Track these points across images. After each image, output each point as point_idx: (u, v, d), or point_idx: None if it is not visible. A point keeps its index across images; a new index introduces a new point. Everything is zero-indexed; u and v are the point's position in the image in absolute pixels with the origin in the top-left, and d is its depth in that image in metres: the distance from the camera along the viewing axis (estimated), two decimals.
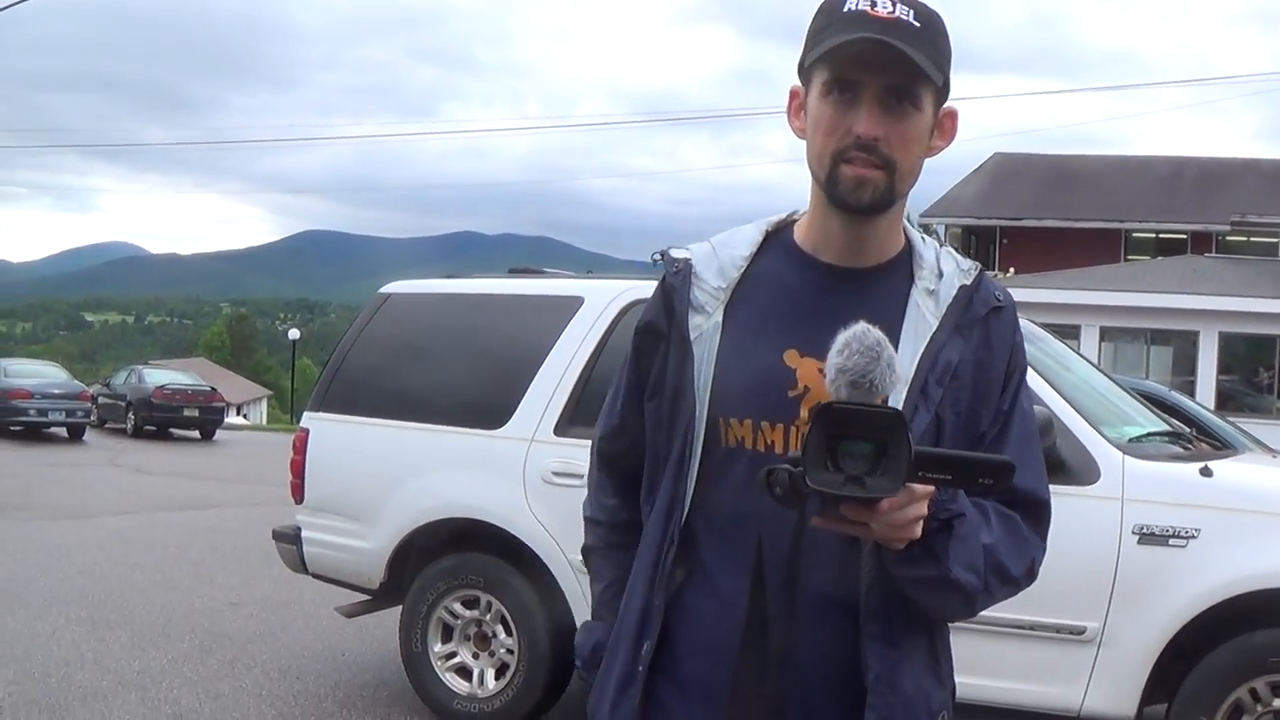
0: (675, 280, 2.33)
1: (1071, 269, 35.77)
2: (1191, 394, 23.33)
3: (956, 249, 2.36)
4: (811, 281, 2.25)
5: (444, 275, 8.38)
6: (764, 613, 2.13)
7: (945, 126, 2.24)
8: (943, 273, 2.24)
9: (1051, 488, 2.37)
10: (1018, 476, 2.03)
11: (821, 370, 2.03)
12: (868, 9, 2.10)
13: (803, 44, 2.21)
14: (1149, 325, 31.66)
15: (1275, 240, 43.43)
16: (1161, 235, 45.21)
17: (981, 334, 2.22)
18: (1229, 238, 43.62)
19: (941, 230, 48.37)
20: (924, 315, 2.19)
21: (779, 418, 2.18)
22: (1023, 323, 7.01)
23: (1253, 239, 43.80)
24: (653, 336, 2.37)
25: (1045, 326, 7.66)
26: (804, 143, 2.24)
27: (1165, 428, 7.04)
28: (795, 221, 2.35)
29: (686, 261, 2.34)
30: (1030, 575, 2.23)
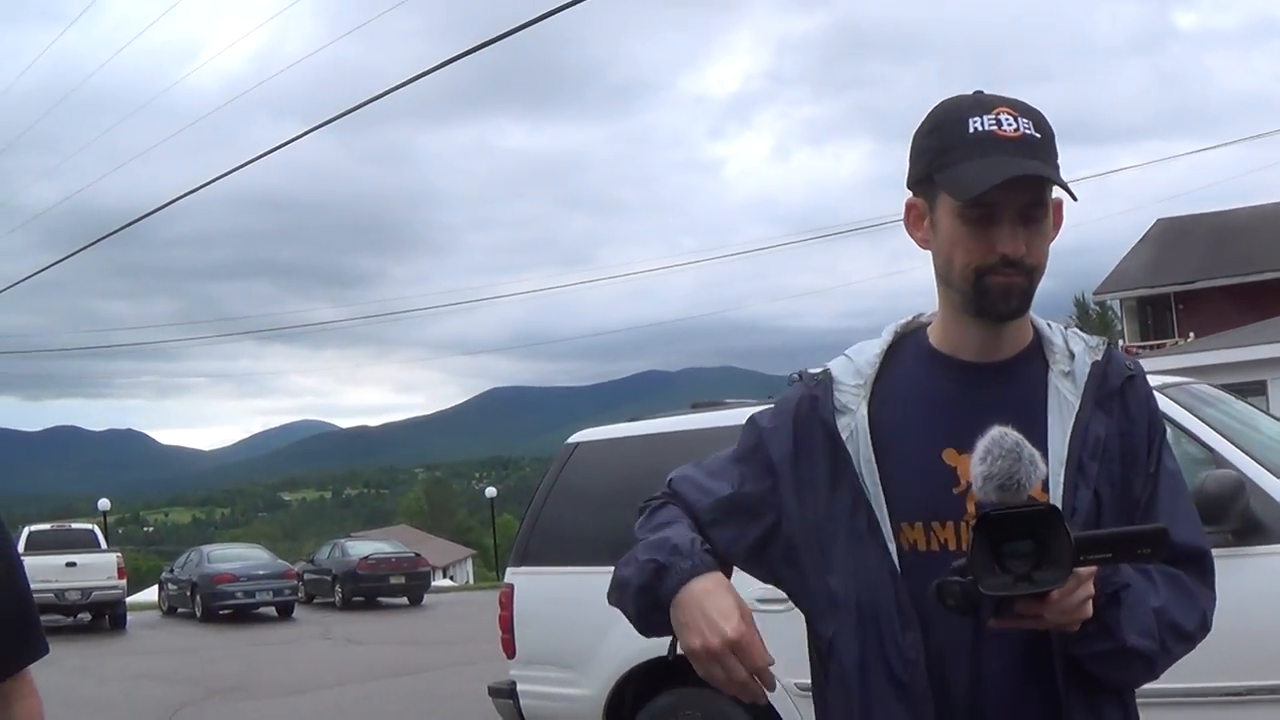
0: (818, 391, 2.39)
1: (1251, 324, 34.90)
2: None
3: (1098, 331, 2.41)
4: (955, 380, 2.32)
5: (629, 419, 8.54)
6: (952, 715, 2.20)
7: (1057, 218, 2.31)
8: (1073, 353, 2.31)
9: (1253, 549, 2.39)
10: (1175, 532, 2.12)
11: None
12: (995, 129, 2.16)
13: (910, 153, 2.29)
14: None
15: None
16: None
17: (1120, 405, 2.29)
18: None
19: (1116, 305, 47.50)
20: (1065, 396, 2.27)
21: (948, 516, 2.23)
22: (1204, 387, 6.89)
23: None
24: (786, 435, 2.39)
25: (1231, 386, 7.52)
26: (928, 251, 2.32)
27: None
28: (924, 325, 2.43)
29: (826, 371, 2.42)
30: (1204, 627, 2.27)
